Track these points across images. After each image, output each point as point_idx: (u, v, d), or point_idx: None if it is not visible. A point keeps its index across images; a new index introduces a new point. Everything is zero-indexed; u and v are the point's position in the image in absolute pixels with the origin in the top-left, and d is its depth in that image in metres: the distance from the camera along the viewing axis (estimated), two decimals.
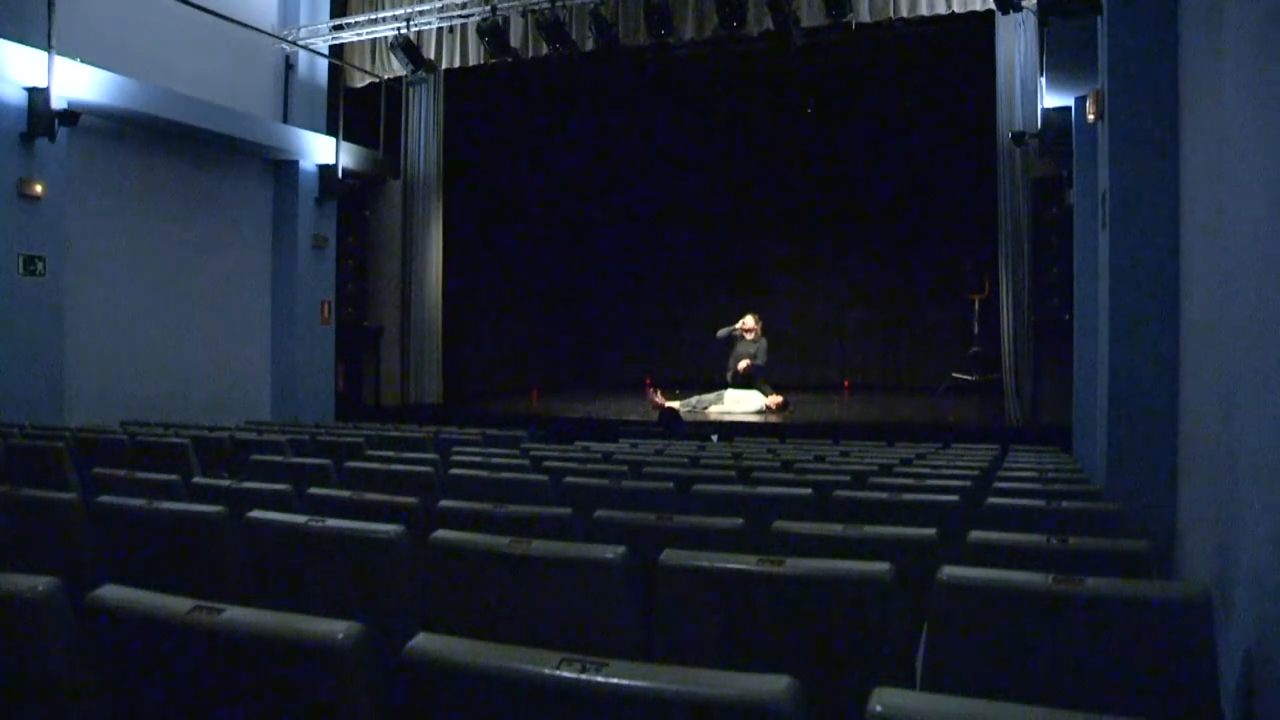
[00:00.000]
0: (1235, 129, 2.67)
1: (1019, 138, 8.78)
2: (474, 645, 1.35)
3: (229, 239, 9.85)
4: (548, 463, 4.50)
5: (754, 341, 10.76)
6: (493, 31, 9.65)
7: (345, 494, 3.19)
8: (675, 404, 9.85)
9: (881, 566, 1.91)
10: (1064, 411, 8.12)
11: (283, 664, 1.48)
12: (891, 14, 8.78)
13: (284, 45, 10.52)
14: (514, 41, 9.96)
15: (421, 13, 10.36)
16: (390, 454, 5.01)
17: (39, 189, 7.30)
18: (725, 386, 10.71)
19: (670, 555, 2.05)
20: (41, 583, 1.61)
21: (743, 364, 10.60)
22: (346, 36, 10.80)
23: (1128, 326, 4.41)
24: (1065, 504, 3.13)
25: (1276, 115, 2.17)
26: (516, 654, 1.31)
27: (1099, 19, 4.90)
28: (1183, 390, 4.07)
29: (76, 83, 7.58)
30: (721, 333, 10.92)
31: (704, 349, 11.95)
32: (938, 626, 1.86)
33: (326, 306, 10.69)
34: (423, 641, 1.37)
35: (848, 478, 3.92)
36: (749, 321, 10.81)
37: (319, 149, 10.48)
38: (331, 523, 2.43)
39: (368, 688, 1.45)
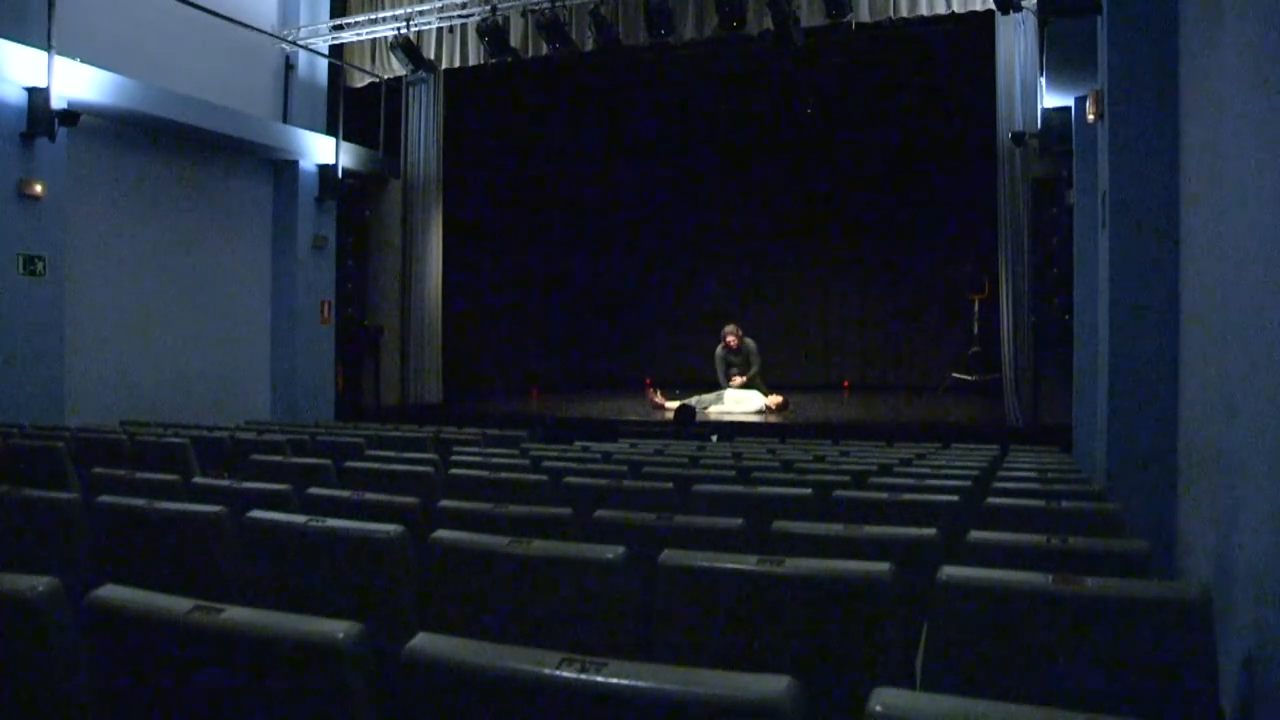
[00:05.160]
0: (1235, 128, 2.67)
1: (1019, 138, 8.77)
2: (474, 645, 1.35)
3: (229, 239, 9.85)
4: (548, 463, 4.50)
5: (738, 351, 10.68)
6: (493, 31, 9.65)
7: (345, 494, 3.18)
8: (680, 403, 9.86)
9: (881, 566, 1.91)
10: (1064, 411, 8.12)
11: (283, 664, 1.48)
12: (891, 14, 8.78)
13: (284, 45, 10.52)
14: (514, 41, 9.96)
15: (421, 13, 10.36)
16: (390, 454, 5.01)
17: (39, 189, 7.30)
18: (725, 387, 10.71)
19: (670, 555, 2.05)
20: (41, 583, 1.61)
21: (736, 380, 10.55)
22: (346, 36, 10.80)
23: (1128, 327, 4.41)
24: (1065, 504, 3.12)
25: (1276, 114, 2.17)
26: (516, 654, 1.31)
27: (1099, 19, 4.90)
28: (1183, 390, 4.07)
29: (76, 83, 7.58)
30: (707, 400, 10.29)
31: (704, 349, 11.92)
32: (938, 626, 1.86)
33: (326, 306, 10.69)
34: (422, 641, 1.37)
35: (848, 478, 3.92)
36: (730, 338, 10.69)
37: (319, 149, 10.48)
38: (331, 523, 2.43)
39: (367, 688, 1.45)
